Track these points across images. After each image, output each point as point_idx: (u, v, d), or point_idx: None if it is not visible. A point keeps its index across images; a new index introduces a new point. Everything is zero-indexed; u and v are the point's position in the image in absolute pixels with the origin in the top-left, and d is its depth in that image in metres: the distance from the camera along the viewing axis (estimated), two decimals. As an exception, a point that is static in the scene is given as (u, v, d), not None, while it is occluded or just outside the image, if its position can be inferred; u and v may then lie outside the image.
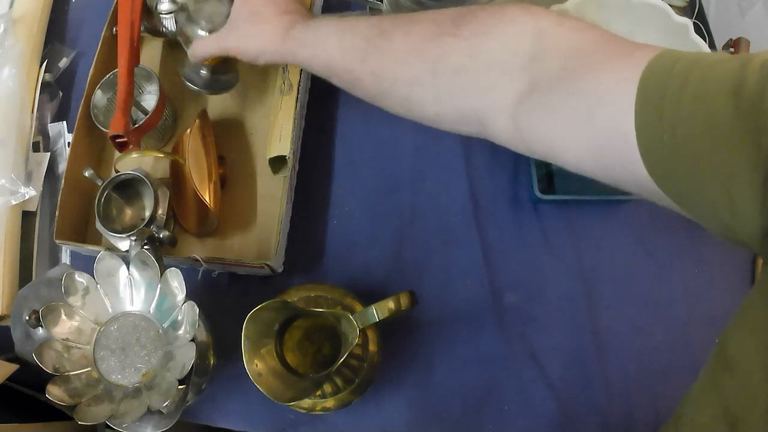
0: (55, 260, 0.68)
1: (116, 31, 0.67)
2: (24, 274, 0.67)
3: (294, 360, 0.51)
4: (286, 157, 0.62)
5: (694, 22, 0.65)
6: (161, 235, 0.57)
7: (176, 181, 0.66)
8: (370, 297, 0.53)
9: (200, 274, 0.61)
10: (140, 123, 0.63)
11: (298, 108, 0.64)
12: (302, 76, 0.66)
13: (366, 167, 0.69)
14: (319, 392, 0.53)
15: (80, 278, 0.51)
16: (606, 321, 0.63)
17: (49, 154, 0.71)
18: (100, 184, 0.61)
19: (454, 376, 0.61)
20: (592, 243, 0.66)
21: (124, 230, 0.59)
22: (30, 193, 0.66)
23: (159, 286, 0.51)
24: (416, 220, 0.67)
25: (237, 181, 0.68)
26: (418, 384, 0.61)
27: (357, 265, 0.65)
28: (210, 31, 0.57)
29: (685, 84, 0.28)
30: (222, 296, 0.65)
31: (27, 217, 0.68)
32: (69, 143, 0.71)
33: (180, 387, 0.49)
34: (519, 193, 0.68)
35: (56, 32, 0.79)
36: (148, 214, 0.59)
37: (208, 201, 0.61)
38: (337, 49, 0.45)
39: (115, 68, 0.65)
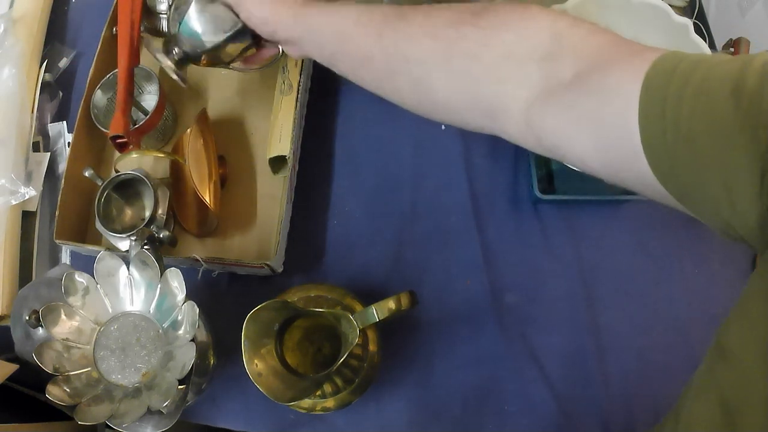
0: (55, 260, 0.68)
1: (116, 31, 0.67)
2: (24, 274, 0.67)
3: (294, 360, 0.51)
4: (286, 157, 0.62)
5: (694, 22, 0.65)
6: (161, 235, 0.57)
7: (176, 181, 0.66)
8: (370, 297, 0.53)
9: (200, 274, 0.61)
10: (140, 123, 0.63)
11: (298, 108, 0.64)
12: (302, 76, 0.66)
13: (366, 167, 0.69)
14: (319, 392, 0.53)
15: (80, 278, 0.51)
16: (606, 321, 0.63)
17: (49, 154, 0.71)
18: (100, 184, 0.61)
19: (454, 376, 0.61)
20: (592, 243, 0.66)
21: (124, 230, 0.59)
22: (30, 193, 0.66)
23: (159, 286, 0.51)
24: (416, 220, 0.67)
25: (237, 181, 0.68)
26: (418, 384, 0.61)
27: (357, 265, 0.65)
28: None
29: (687, 83, 0.29)
30: (222, 296, 0.65)
31: (27, 217, 0.68)
32: (69, 143, 0.71)
33: (180, 387, 0.49)
34: (519, 193, 0.68)
35: (56, 32, 0.79)
36: (148, 214, 0.59)
37: (208, 201, 0.61)
38: (353, 21, 0.45)
39: (115, 68, 0.65)
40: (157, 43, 0.58)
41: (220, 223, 0.65)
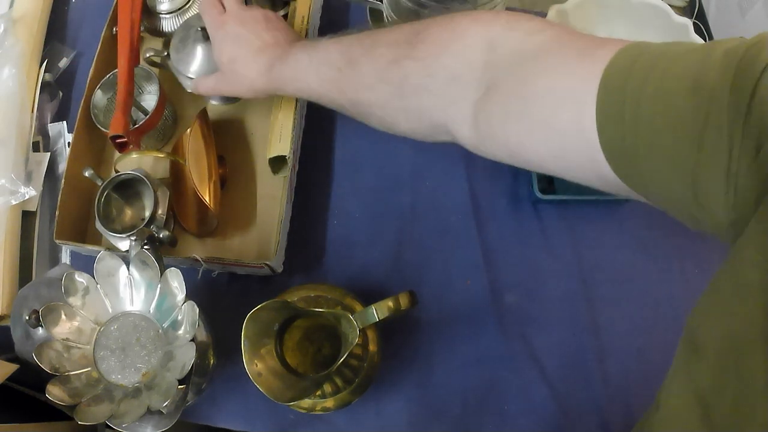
0: (55, 260, 0.68)
1: (116, 31, 0.67)
2: (24, 274, 0.67)
3: (294, 360, 0.51)
4: (286, 157, 0.62)
5: (694, 22, 0.65)
6: (161, 235, 0.57)
7: (176, 181, 0.66)
8: (370, 297, 0.53)
9: (200, 274, 0.61)
10: (140, 123, 0.63)
11: (298, 108, 0.64)
12: (302, 76, 0.66)
13: (366, 167, 0.69)
14: (319, 392, 0.53)
15: (80, 278, 0.51)
16: (606, 321, 0.63)
17: (49, 154, 0.71)
18: (100, 184, 0.61)
19: (454, 376, 0.61)
20: (592, 243, 0.66)
21: (124, 230, 0.59)
22: (30, 193, 0.66)
23: (159, 286, 0.51)
24: (416, 220, 0.67)
25: (237, 181, 0.68)
26: (418, 384, 0.61)
27: (357, 265, 0.65)
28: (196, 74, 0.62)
29: (645, 82, 0.28)
30: (222, 296, 0.65)
31: (27, 217, 0.68)
32: (69, 143, 0.71)
33: (180, 387, 0.49)
34: (519, 193, 0.68)
35: (56, 32, 0.79)
36: (148, 214, 0.59)
37: (208, 201, 0.61)
38: (316, 81, 0.48)
39: (115, 68, 0.65)
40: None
41: (220, 223, 0.65)
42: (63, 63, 0.77)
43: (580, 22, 0.68)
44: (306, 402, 0.54)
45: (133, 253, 0.52)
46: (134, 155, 0.62)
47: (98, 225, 0.60)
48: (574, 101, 0.31)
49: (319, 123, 0.71)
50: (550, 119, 0.33)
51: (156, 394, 0.48)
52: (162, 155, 0.66)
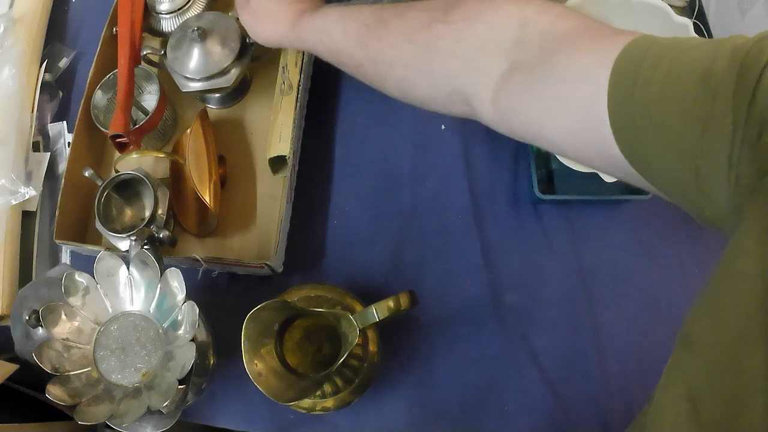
0: (55, 260, 0.68)
1: (116, 31, 0.67)
2: (24, 274, 0.67)
3: (294, 360, 0.51)
4: (286, 157, 0.62)
5: (694, 22, 0.65)
6: (161, 235, 0.57)
7: (176, 181, 0.66)
8: (370, 297, 0.53)
9: (200, 274, 0.61)
10: (140, 123, 0.63)
11: (298, 108, 0.64)
12: (302, 76, 0.66)
13: (366, 167, 0.69)
14: (319, 392, 0.53)
15: (80, 278, 0.51)
16: (606, 321, 0.63)
17: (49, 154, 0.71)
18: (100, 184, 0.61)
19: (454, 376, 0.61)
20: (592, 243, 0.66)
21: (124, 230, 0.59)
22: (30, 193, 0.66)
23: (159, 286, 0.51)
24: (416, 220, 0.67)
25: (237, 181, 0.68)
26: (418, 384, 0.61)
27: (357, 265, 0.65)
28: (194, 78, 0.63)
29: (657, 67, 0.29)
30: (222, 296, 0.65)
31: (27, 217, 0.68)
32: (69, 143, 0.71)
33: (180, 387, 0.49)
34: (519, 193, 0.68)
35: (56, 32, 0.79)
36: (148, 214, 0.59)
37: (208, 201, 0.61)
38: (341, 35, 0.48)
39: (115, 68, 0.65)
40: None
41: (220, 223, 0.65)
42: (63, 63, 0.77)
43: (580, 22, 0.68)
44: (306, 402, 0.54)
45: (133, 253, 0.52)
46: (134, 155, 0.62)
47: (98, 225, 0.60)
48: (590, 81, 0.32)
49: (319, 123, 0.71)
50: (567, 97, 0.34)
51: (156, 394, 0.48)
52: (162, 155, 0.66)
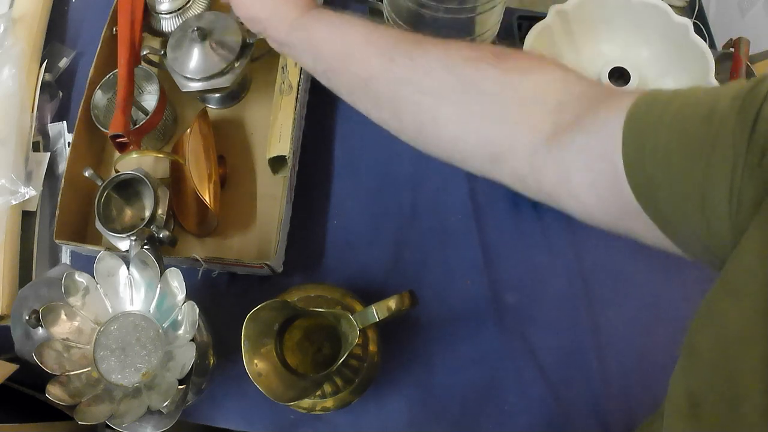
0: (55, 260, 0.68)
1: (116, 31, 0.67)
2: (24, 274, 0.67)
3: (294, 360, 0.51)
4: (286, 157, 0.62)
5: (694, 22, 0.65)
6: (161, 235, 0.57)
7: (176, 181, 0.66)
8: (370, 297, 0.53)
9: (200, 274, 0.61)
10: (140, 123, 0.63)
11: (298, 108, 0.64)
12: (302, 76, 0.66)
13: (366, 167, 0.69)
14: (319, 392, 0.53)
15: (80, 278, 0.51)
16: (606, 320, 0.63)
17: (49, 154, 0.71)
18: (100, 184, 0.61)
19: (454, 376, 0.61)
20: (592, 243, 0.66)
21: (124, 230, 0.59)
22: (30, 193, 0.66)
23: (159, 286, 0.51)
24: (416, 220, 0.67)
25: (237, 181, 0.68)
26: (418, 384, 0.61)
27: (357, 265, 0.65)
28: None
29: (664, 113, 0.30)
30: (222, 296, 0.65)
31: (27, 217, 0.68)
32: (69, 143, 0.71)
33: (180, 387, 0.49)
34: (519, 193, 0.68)
35: (56, 32, 0.79)
36: (148, 214, 0.59)
37: (208, 201, 0.61)
38: (361, 38, 0.43)
39: (115, 68, 0.65)
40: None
41: (220, 223, 0.65)
42: (63, 63, 0.77)
43: (580, 22, 0.68)
44: (306, 402, 0.54)
45: (133, 253, 0.52)
46: (134, 155, 0.62)
47: (98, 225, 0.60)
48: (607, 129, 0.33)
49: (319, 123, 0.71)
50: (588, 147, 0.34)
51: (156, 394, 0.48)
52: (162, 155, 0.66)
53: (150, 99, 0.69)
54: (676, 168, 0.29)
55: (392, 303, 0.47)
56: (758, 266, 0.26)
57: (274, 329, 0.48)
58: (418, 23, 0.60)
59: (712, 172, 0.27)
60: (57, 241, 0.61)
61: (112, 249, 0.59)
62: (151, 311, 0.52)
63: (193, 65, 0.62)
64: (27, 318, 0.54)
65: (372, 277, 0.65)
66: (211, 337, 0.55)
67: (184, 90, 0.64)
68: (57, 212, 0.61)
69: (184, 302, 0.50)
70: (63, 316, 0.51)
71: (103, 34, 0.68)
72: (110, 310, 0.52)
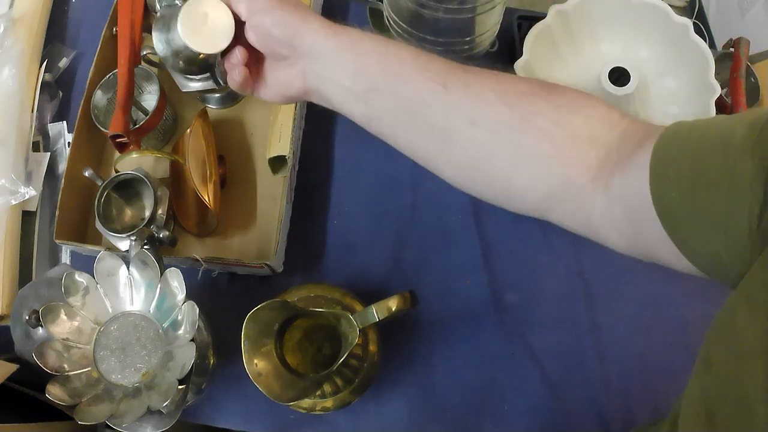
0: (55, 260, 0.68)
1: (116, 31, 0.67)
2: (24, 274, 0.67)
3: (294, 360, 0.51)
4: (286, 157, 0.62)
5: (694, 22, 0.65)
6: (161, 235, 0.57)
7: (176, 181, 0.66)
8: (370, 297, 0.53)
9: (200, 274, 0.61)
10: (140, 123, 0.63)
11: (298, 108, 0.64)
12: (302, 76, 0.66)
13: (366, 167, 0.69)
14: (319, 392, 0.53)
15: (80, 278, 0.51)
16: (606, 320, 0.63)
17: (49, 154, 0.71)
18: (100, 184, 0.61)
19: (454, 375, 0.61)
20: (592, 242, 0.66)
21: (124, 230, 0.59)
22: (30, 193, 0.66)
23: (159, 286, 0.51)
24: (416, 220, 0.67)
25: (237, 181, 0.68)
26: (418, 384, 0.61)
27: (357, 265, 0.65)
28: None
29: (686, 144, 0.32)
30: (222, 296, 0.65)
31: (27, 217, 0.68)
32: (69, 143, 0.71)
33: (180, 387, 0.49)
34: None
35: (56, 32, 0.79)
36: (148, 214, 0.59)
37: (208, 201, 0.61)
38: (411, 58, 0.39)
39: (115, 68, 0.65)
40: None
41: (220, 223, 0.65)
42: (63, 63, 0.77)
43: (580, 22, 0.68)
44: (306, 402, 0.54)
45: (133, 253, 0.52)
46: (134, 155, 0.62)
47: (98, 225, 0.60)
48: (639, 166, 0.34)
49: (319, 123, 0.71)
50: (625, 184, 0.36)
51: (156, 394, 0.48)
52: (162, 155, 0.66)
53: (150, 99, 0.69)
54: (698, 199, 0.31)
55: (392, 303, 0.47)
56: None
57: (274, 329, 0.48)
58: (418, 23, 0.60)
59: (731, 204, 0.29)
60: (57, 241, 0.61)
61: (112, 249, 0.59)
62: (151, 311, 0.52)
63: (178, 41, 0.61)
64: (27, 318, 0.54)
65: (372, 277, 0.65)
66: (211, 337, 0.55)
67: (184, 90, 0.64)
68: (57, 212, 0.61)
69: (184, 302, 0.50)
70: (63, 316, 0.51)
71: (103, 34, 0.68)
72: (110, 310, 0.52)
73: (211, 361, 0.55)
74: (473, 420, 0.60)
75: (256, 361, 0.46)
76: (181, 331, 0.50)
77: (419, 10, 0.58)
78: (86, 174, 0.61)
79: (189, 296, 0.50)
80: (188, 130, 0.63)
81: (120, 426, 0.46)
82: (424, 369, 0.62)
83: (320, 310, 0.49)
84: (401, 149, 0.43)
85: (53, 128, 0.73)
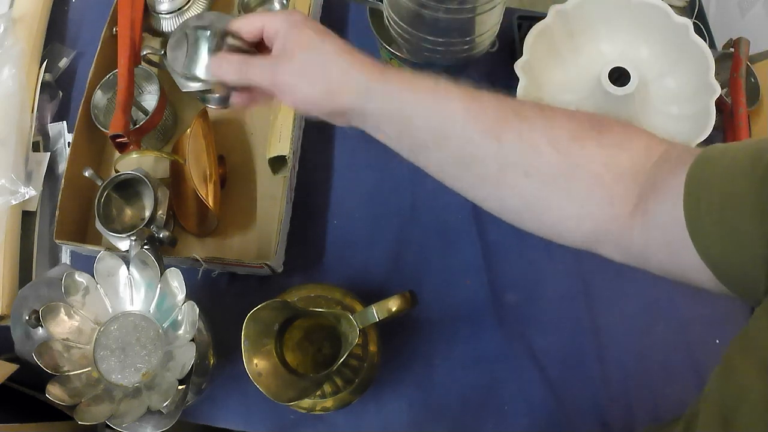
0: (55, 260, 0.68)
1: (116, 31, 0.67)
2: (24, 274, 0.67)
3: (294, 360, 0.51)
4: (286, 157, 0.62)
5: (694, 22, 0.65)
6: (161, 235, 0.57)
7: (176, 181, 0.66)
8: (370, 297, 0.53)
9: (200, 274, 0.61)
10: (140, 123, 0.63)
11: (298, 108, 0.64)
12: (302, 76, 0.66)
13: (366, 167, 0.69)
14: (319, 392, 0.53)
15: (80, 278, 0.51)
16: (606, 320, 0.63)
17: (49, 154, 0.71)
18: (100, 184, 0.61)
19: (454, 376, 0.61)
20: (592, 243, 0.66)
21: (124, 230, 0.59)
22: (30, 193, 0.66)
23: (159, 286, 0.51)
24: (416, 220, 0.67)
25: (237, 181, 0.68)
26: (418, 384, 0.61)
27: (357, 265, 0.65)
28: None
29: (715, 170, 0.33)
30: (222, 296, 0.65)
31: (27, 217, 0.68)
32: (69, 143, 0.71)
33: (180, 387, 0.49)
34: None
35: (56, 32, 0.79)
36: (148, 214, 0.59)
37: (208, 201, 0.61)
38: (461, 111, 0.38)
39: (115, 68, 0.65)
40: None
41: (220, 223, 0.65)
42: (63, 63, 0.77)
43: (580, 22, 0.68)
44: (306, 402, 0.54)
45: (133, 253, 0.52)
46: (134, 155, 0.62)
47: (98, 225, 0.60)
48: (673, 191, 0.35)
49: (319, 123, 0.71)
50: (661, 212, 0.36)
51: (156, 394, 0.48)
52: (162, 155, 0.66)
53: (150, 99, 0.69)
54: (728, 222, 0.31)
55: (392, 303, 0.47)
56: None
57: (274, 329, 0.48)
58: (418, 23, 0.60)
59: (759, 226, 0.29)
60: (57, 241, 0.61)
61: (112, 249, 0.59)
62: (151, 311, 0.52)
63: (193, 65, 0.62)
64: (27, 318, 0.54)
65: (372, 277, 0.65)
66: (211, 337, 0.55)
67: (184, 90, 0.64)
68: (57, 212, 0.61)
69: (184, 302, 0.50)
70: (63, 316, 0.51)
71: (103, 34, 0.68)
72: (110, 310, 0.52)
73: (211, 361, 0.55)
74: (473, 420, 0.60)
75: (256, 361, 0.46)
76: (181, 331, 0.50)
77: (419, 10, 0.58)
78: (86, 174, 0.61)
79: (189, 296, 0.50)
80: (188, 130, 0.63)
81: (120, 426, 0.46)
82: (424, 369, 0.62)
83: (320, 310, 0.49)
84: (446, 185, 0.43)
85: (53, 128, 0.73)
